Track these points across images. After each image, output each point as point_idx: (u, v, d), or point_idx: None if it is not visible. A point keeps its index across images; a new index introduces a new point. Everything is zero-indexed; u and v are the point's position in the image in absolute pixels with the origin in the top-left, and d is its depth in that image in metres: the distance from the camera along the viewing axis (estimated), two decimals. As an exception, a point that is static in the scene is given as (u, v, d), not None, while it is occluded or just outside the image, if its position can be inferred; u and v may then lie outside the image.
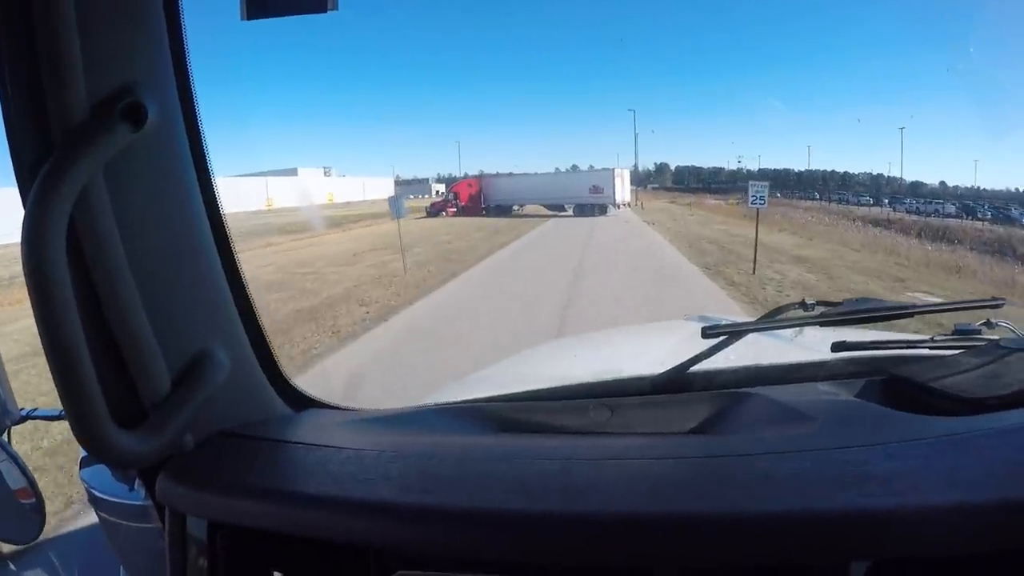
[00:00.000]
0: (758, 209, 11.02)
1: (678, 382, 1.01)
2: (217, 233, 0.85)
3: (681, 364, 1.01)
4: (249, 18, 0.89)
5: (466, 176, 35.16)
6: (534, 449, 0.81)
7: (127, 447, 0.72)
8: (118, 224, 0.71)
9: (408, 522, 0.68)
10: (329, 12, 0.89)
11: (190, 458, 0.82)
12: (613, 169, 29.82)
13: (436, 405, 1.05)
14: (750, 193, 11.00)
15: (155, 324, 0.76)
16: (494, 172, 35.28)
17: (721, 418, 0.90)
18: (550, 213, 30.00)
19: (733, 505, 0.62)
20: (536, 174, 33.45)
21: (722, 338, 1.00)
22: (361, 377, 5.33)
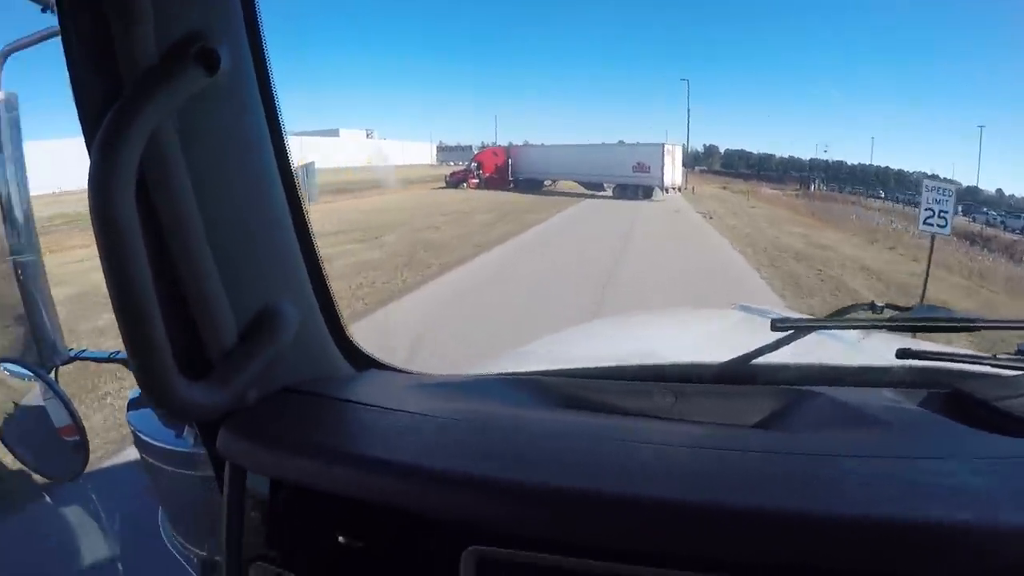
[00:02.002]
0: (932, 237, 6.38)
1: (742, 373, 0.98)
2: (287, 186, 0.84)
3: (745, 355, 0.98)
4: None
5: (497, 145, 31.15)
6: (602, 429, 0.80)
7: (192, 399, 0.73)
8: (189, 172, 0.71)
9: (486, 496, 0.66)
10: None
11: (254, 413, 0.81)
12: (663, 144, 25.63)
13: (497, 375, 1.04)
14: (924, 205, 6.17)
15: (224, 275, 0.76)
16: (528, 143, 31.02)
17: (786, 414, 0.88)
18: (585, 192, 26.34)
19: (808, 503, 0.61)
20: (572, 145, 29.11)
21: (789, 332, 0.97)
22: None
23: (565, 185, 27.61)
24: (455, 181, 27.78)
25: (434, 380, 0.99)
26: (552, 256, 10.57)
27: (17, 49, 1.37)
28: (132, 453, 1.25)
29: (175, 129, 0.69)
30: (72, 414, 1.14)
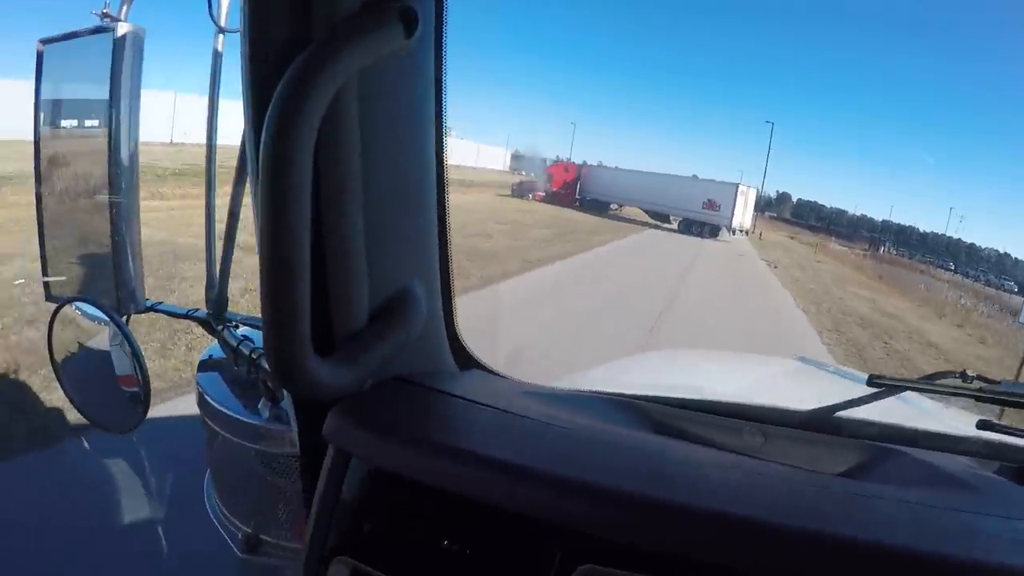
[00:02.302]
0: None
1: (829, 423, 0.98)
2: (439, 173, 0.83)
3: (833, 405, 0.99)
4: None
5: (569, 161, 31.15)
6: (698, 457, 0.81)
7: (320, 378, 0.70)
8: (360, 141, 0.69)
9: (593, 504, 0.66)
10: None
11: (366, 400, 0.79)
12: (737, 184, 25.02)
13: (592, 392, 1.05)
14: None
15: (369, 250, 0.74)
16: (599, 163, 30.82)
17: (872, 467, 0.90)
18: (651, 222, 26.00)
19: (906, 541, 0.61)
20: (644, 172, 28.67)
21: (882, 389, 0.97)
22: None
23: (631, 212, 27.40)
24: (521, 191, 27.86)
25: (534, 388, 0.99)
26: (602, 285, 9.96)
27: None
28: (183, 409, 1.19)
29: (356, 89, 0.67)
30: (139, 364, 1.10)
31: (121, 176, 1.34)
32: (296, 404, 0.87)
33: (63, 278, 1.30)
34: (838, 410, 0.99)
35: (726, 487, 0.71)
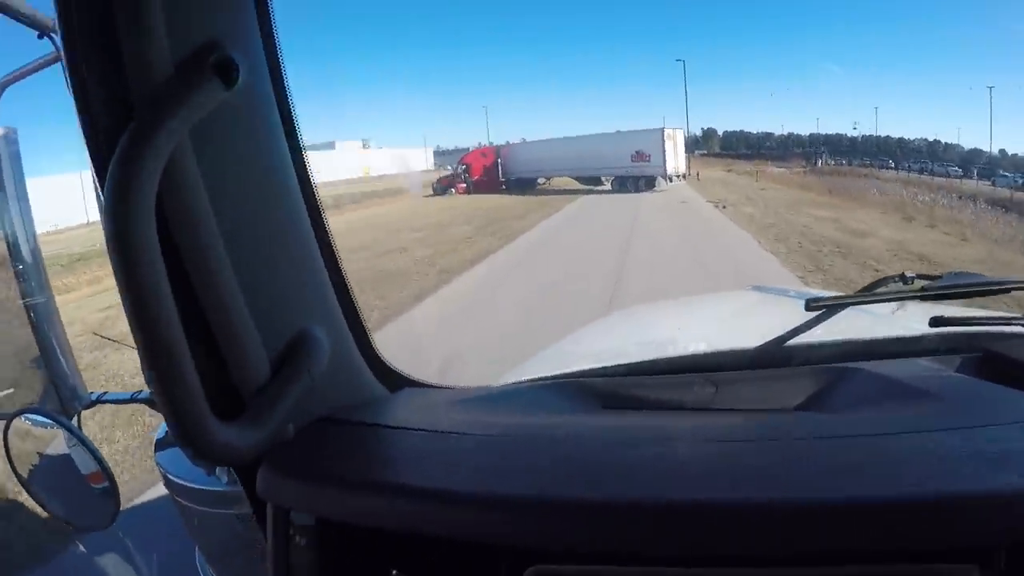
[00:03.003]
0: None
1: (779, 356, 1.01)
2: (310, 206, 0.84)
3: (779, 337, 1.01)
4: None
5: (486, 145, 29.26)
6: (643, 430, 0.83)
7: (227, 441, 0.70)
8: (208, 195, 0.69)
9: (534, 516, 0.67)
10: None
11: (292, 448, 0.80)
12: (662, 129, 24.43)
13: (532, 381, 1.06)
14: None
15: (251, 305, 0.74)
16: (520, 140, 28.93)
17: (827, 394, 0.90)
18: (583, 187, 25.19)
19: (858, 490, 0.62)
20: (564, 138, 27.92)
21: (822, 311, 1.00)
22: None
23: (560, 182, 26.48)
24: (442, 188, 26.68)
25: (470, 394, 1.00)
26: (535, 277, 8.61)
27: (14, 80, 1.32)
28: (163, 490, 1.21)
29: (191, 149, 0.67)
30: (99, 460, 1.12)
31: (29, 277, 1.35)
32: (235, 468, 0.86)
33: (10, 391, 1.36)
34: (787, 340, 0.99)
35: (670, 463, 0.71)
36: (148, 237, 0.60)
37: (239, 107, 0.70)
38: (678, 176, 23.72)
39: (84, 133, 0.66)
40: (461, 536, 0.68)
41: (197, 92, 0.63)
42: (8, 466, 1.18)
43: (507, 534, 0.67)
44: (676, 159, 23.89)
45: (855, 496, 0.60)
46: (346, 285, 0.89)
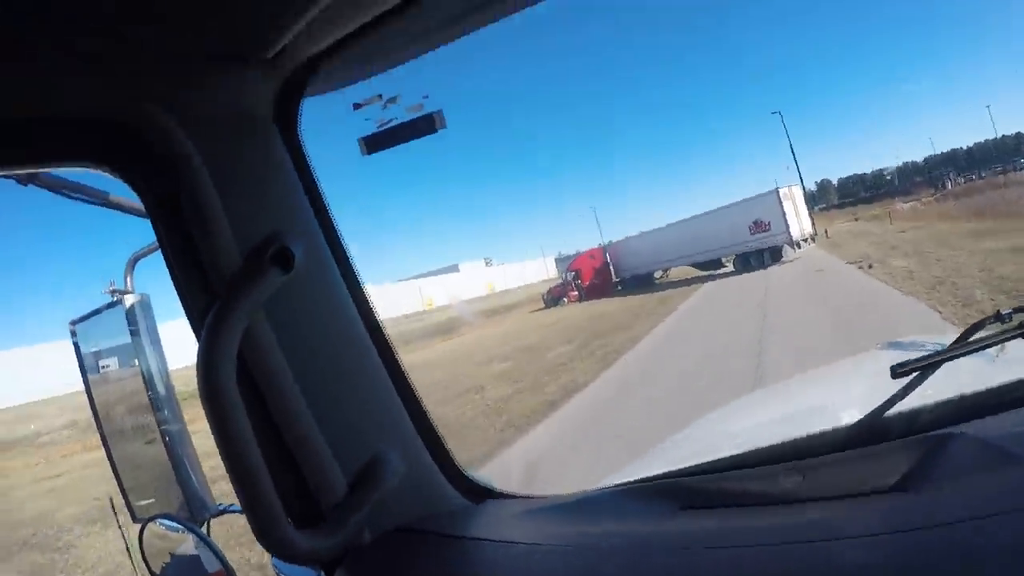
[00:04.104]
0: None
1: (875, 430, 0.89)
2: (378, 342, 0.95)
3: (875, 410, 0.91)
4: (368, 154, 1.00)
5: (595, 247, 28.64)
6: (717, 531, 0.79)
7: (303, 545, 0.81)
8: (284, 352, 0.84)
9: None
10: (442, 130, 0.97)
11: (368, 553, 0.88)
12: (777, 190, 22.21)
13: (615, 486, 1.03)
14: None
15: (328, 435, 0.86)
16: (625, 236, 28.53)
17: (924, 469, 0.80)
18: (703, 274, 23.36)
19: None
20: (673, 224, 26.01)
21: (913, 376, 0.91)
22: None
23: (678, 272, 24.97)
24: (553, 299, 26.02)
25: (549, 503, 1.01)
26: (631, 415, 6.42)
27: (143, 255, 1.64)
28: None
29: (267, 317, 0.82)
30: (222, 560, 1.23)
31: (163, 405, 1.59)
32: (323, 569, 0.93)
33: (151, 500, 1.59)
34: (883, 412, 0.90)
35: (747, 569, 0.68)
36: (230, 389, 0.76)
37: (303, 279, 0.85)
38: (805, 239, 21.23)
39: (183, 307, 0.85)
40: None
41: (261, 280, 0.80)
42: (143, 563, 1.37)
43: None
44: (799, 220, 21.53)
45: None
46: (421, 407, 0.99)
